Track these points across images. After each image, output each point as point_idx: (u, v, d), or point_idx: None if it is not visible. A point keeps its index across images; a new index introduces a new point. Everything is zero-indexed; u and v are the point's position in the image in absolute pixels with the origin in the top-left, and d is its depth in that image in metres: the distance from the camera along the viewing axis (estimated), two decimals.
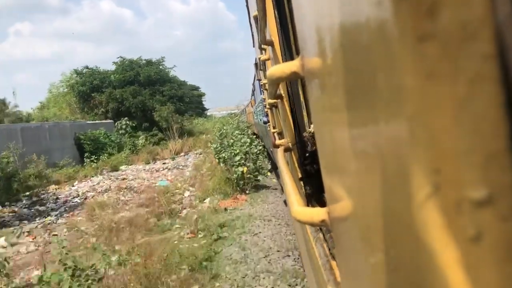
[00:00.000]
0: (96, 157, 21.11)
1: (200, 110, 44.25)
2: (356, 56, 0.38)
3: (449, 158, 0.24)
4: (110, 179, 16.38)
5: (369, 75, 0.35)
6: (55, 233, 8.65)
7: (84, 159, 21.19)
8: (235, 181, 10.05)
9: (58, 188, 15.28)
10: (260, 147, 10.92)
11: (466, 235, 0.24)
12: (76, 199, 12.79)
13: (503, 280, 0.22)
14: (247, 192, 9.92)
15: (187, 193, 10.95)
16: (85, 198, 12.68)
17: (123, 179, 15.88)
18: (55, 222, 10.00)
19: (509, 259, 0.22)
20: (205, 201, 9.48)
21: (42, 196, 13.78)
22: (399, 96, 0.29)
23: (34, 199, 13.44)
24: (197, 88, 44.30)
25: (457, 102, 0.23)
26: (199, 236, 6.80)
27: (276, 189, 10.08)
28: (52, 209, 11.70)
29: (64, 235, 8.22)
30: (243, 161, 10.08)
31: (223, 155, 10.81)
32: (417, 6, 0.24)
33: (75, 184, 15.99)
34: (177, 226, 7.58)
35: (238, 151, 10.31)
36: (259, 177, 10.43)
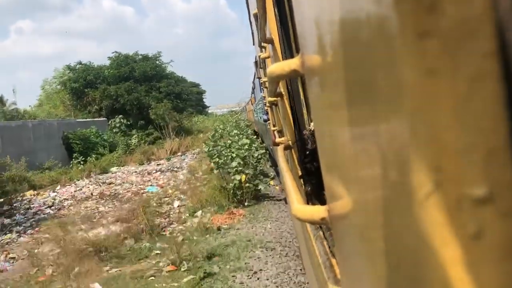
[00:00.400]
0: (84, 158, 19.53)
1: (200, 108, 43.83)
2: (356, 53, 0.38)
3: (450, 156, 0.24)
4: (96, 183, 14.85)
5: (369, 72, 0.35)
6: (13, 255, 7.12)
7: (72, 160, 19.55)
8: (231, 191, 8.53)
9: (37, 194, 13.28)
10: (262, 151, 9.41)
11: (467, 232, 0.24)
12: (49, 210, 10.91)
13: (503, 277, 0.22)
14: (245, 204, 8.42)
15: (176, 203, 9.53)
16: (59, 209, 10.86)
17: (110, 183, 14.34)
18: (15, 240, 8.15)
19: (509, 256, 0.22)
20: (196, 214, 8.13)
21: (15, 204, 11.63)
22: (400, 93, 0.29)
23: (6, 207, 11.25)
24: (197, 85, 43.88)
25: (458, 99, 0.23)
26: (182, 269, 5.43)
27: (280, 200, 8.55)
28: (18, 223, 9.66)
29: (22, 259, 6.84)
30: (241, 168, 8.55)
31: (217, 159, 9.20)
32: (417, 2, 0.24)
33: (57, 189, 14.16)
34: (157, 252, 6.25)
35: (235, 155, 8.78)
36: (260, 186, 8.84)
